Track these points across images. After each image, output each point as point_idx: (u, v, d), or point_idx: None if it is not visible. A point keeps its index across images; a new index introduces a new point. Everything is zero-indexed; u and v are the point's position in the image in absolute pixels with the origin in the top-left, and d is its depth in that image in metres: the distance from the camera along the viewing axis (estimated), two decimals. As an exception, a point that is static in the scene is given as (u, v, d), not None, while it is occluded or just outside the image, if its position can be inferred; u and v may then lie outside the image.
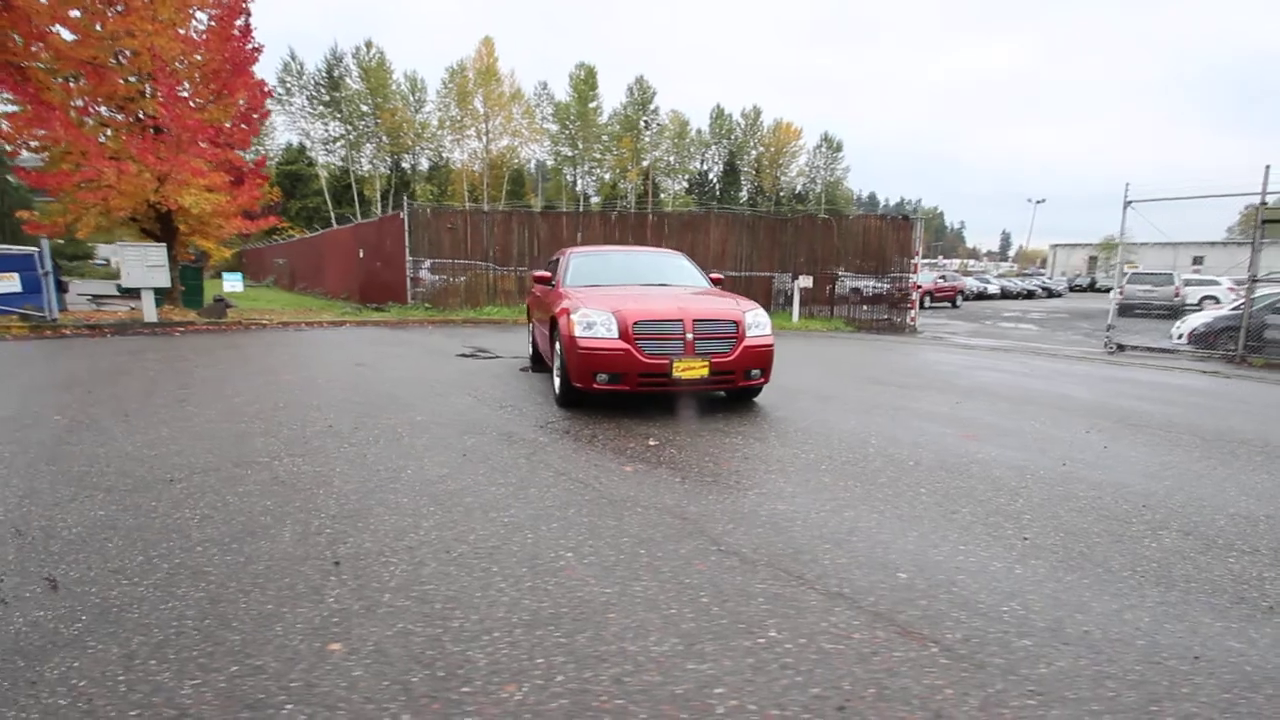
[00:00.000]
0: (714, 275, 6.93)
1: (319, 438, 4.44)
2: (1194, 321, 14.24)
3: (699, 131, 62.47)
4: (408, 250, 16.12)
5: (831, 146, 66.86)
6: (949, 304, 28.08)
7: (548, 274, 6.60)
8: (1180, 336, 14.14)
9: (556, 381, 5.74)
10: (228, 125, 14.27)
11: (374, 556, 2.62)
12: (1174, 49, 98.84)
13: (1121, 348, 12.78)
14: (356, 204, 47.27)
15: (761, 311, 5.50)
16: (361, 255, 19.39)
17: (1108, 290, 48.85)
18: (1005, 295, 38.04)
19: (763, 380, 5.44)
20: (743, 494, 3.44)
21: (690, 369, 5.03)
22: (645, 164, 59.18)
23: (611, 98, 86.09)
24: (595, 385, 5.07)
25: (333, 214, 44.22)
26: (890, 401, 6.12)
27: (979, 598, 2.38)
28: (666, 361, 5.00)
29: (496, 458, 4.04)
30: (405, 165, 51.68)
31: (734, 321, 5.25)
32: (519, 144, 53.58)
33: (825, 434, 4.76)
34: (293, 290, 27.06)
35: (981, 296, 36.04)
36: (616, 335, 5.03)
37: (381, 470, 3.74)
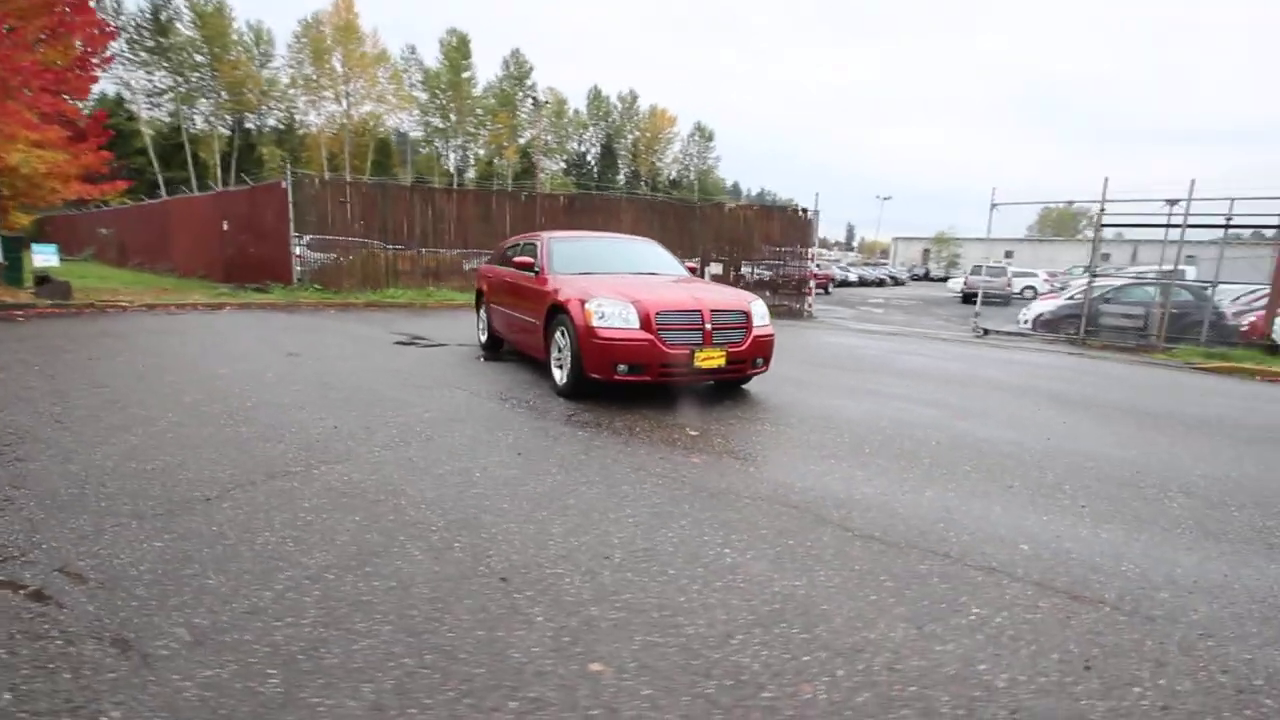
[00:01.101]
0: (689, 264, 7.03)
1: (338, 441, 3.98)
2: (1038, 309, 16.61)
3: (576, 112, 61.79)
4: (292, 225, 14.53)
5: (704, 136, 69.11)
6: (823, 290, 30.37)
7: (528, 259, 6.32)
8: (1026, 322, 16.47)
9: (558, 372, 5.56)
10: (61, 69, 11.93)
11: (535, 568, 2.46)
12: (994, 68, 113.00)
13: (987, 332, 14.61)
14: (191, 167, 41.48)
15: (761, 302, 5.68)
16: (226, 228, 17.16)
17: (942, 279, 55.46)
18: (862, 283, 41.78)
19: (764, 369, 5.65)
20: (820, 479, 3.60)
21: (709, 359, 5.11)
22: (523, 141, 57.55)
23: (486, 70, 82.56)
24: (616, 376, 4.99)
25: (161, 178, 38.41)
26: (857, 385, 6.61)
27: (1096, 560, 2.72)
28: (688, 351, 5.03)
29: (556, 455, 3.88)
30: (250, 126, 46.12)
31: (744, 312, 5.39)
32: (385, 111, 49.82)
33: (839, 419, 5.06)
34: (126, 267, 23.33)
35: (844, 284, 39.30)
36: (638, 325, 4.98)
37: (447, 475, 3.46)
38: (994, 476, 3.78)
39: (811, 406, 5.44)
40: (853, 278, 41.26)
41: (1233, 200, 12.25)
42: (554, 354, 5.63)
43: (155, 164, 39.89)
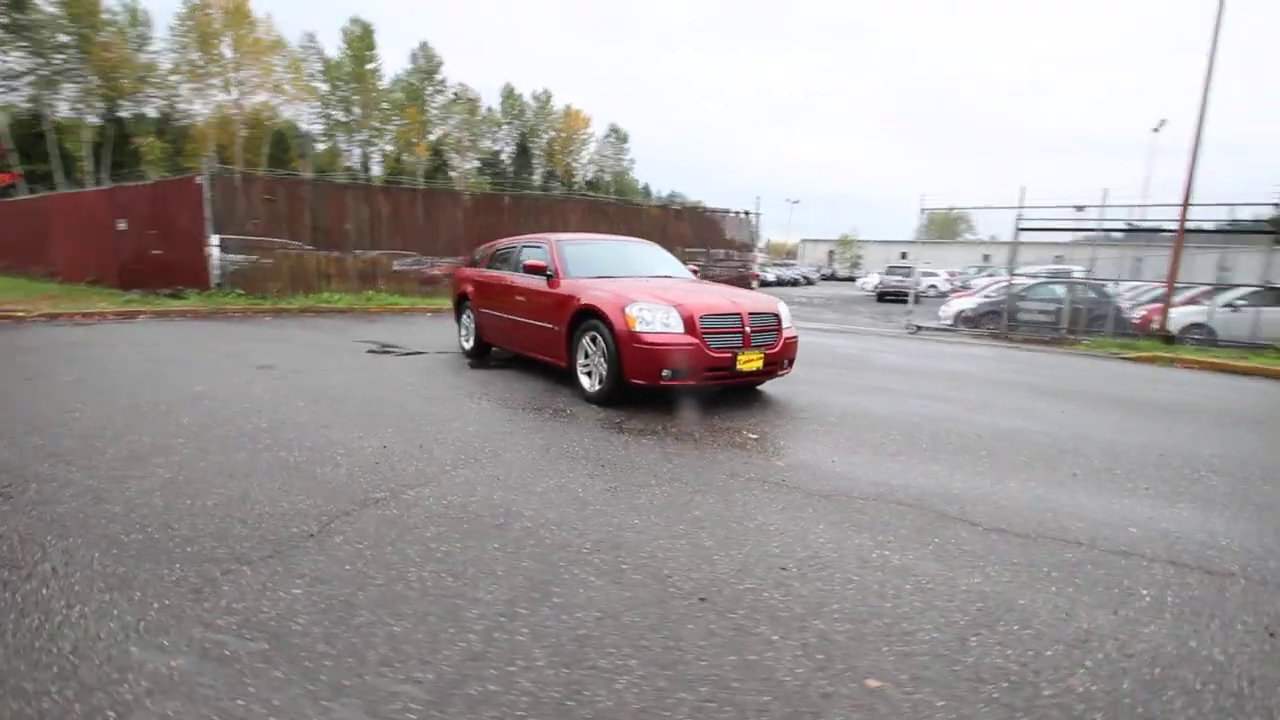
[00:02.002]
0: (691, 267, 7.04)
1: (401, 461, 3.67)
2: (958, 306, 17.92)
3: (490, 109, 60.27)
4: (209, 224, 13.27)
5: (619, 138, 69.36)
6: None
7: (538, 263, 6.08)
8: (948, 318, 17.74)
9: (586, 379, 5.41)
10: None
11: (725, 584, 2.38)
12: (891, 81, 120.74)
13: (920, 328, 15.59)
14: (57, 158, 36.87)
15: (784, 305, 5.78)
16: (123, 228, 15.39)
17: (848, 279, 58.82)
18: (780, 283, 43.44)
19: (789, 370, 5.74)
20: (907, 476, 3.71)
21: (750, 361, 5.13)
22: (434, 138, 55.45)
23: (393, 62, 78.79)
24: (661, 381, 4.91)
25: (20, 170, 33.83)
26: (858, 383, 6.86)
27: (1197, 537, 2.97)
28: (731, 355, 5.03)
29: (640, 466, 3.76)
30: (124, 114, 41.64)
31: (776, 314, 5.46)
32: (281, 102, 46.47)
33: (874, 417, 5.22)
34: (-14, 270, 20.38)
35: (764, 284, 40.70)
36: (682, 330, 4.92)
37: (549, 493, 3.27)
38: (1054, 465, 4.04)
39: (837, 405, 5.58)
40: (771, 278, 42.83)
41: (1131, 207, 13.78)
42: (580, 360, 5.47)
43: (14, 155, 35.12)
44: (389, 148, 54.88)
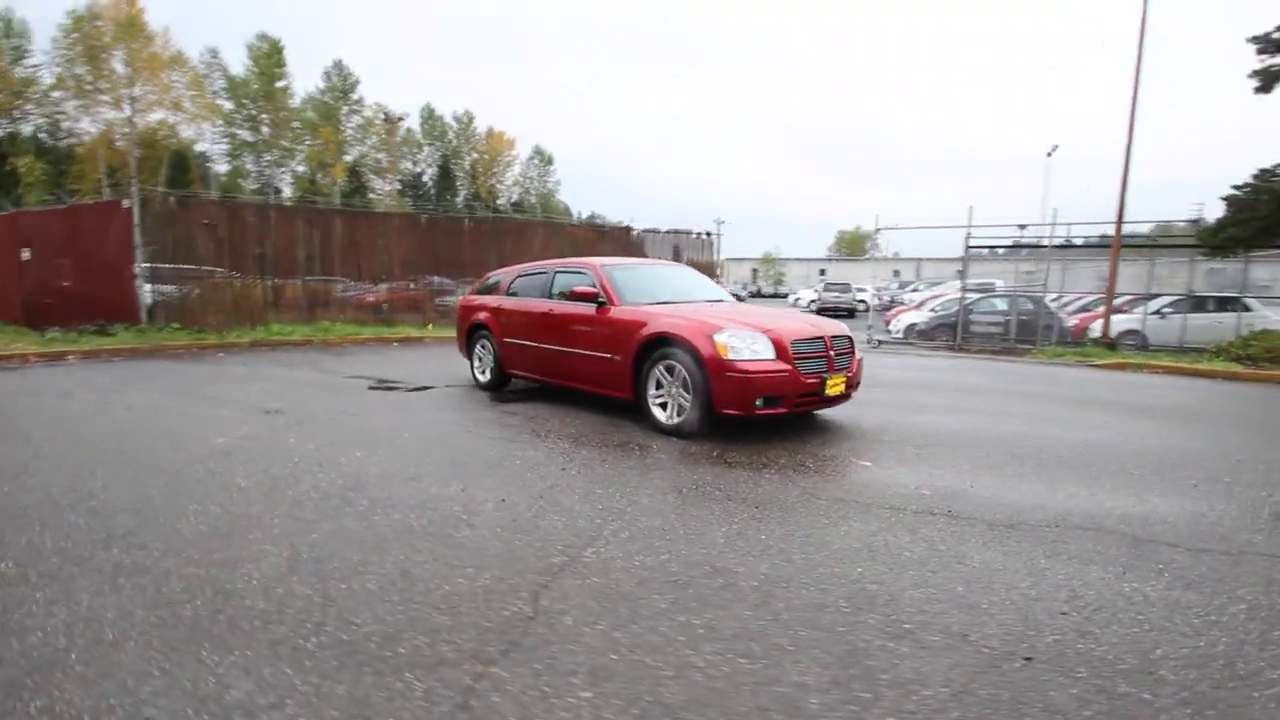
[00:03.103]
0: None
1: (537, 517, 3.26)
2: (909, 320, 18.77)
3: (410, 130, 58.48)
4: (139, 253, 11.94)
5: (544, 159, 69.00)
6: (693, 309, 31.68)
7: (588, 289, 5.75)
8: (898, 332, 18.54)
9: (659, 411, 5.12)
10: None
11: (1030, 638, 2.18)
12: (794, 104, 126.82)
13: (881, 343, 16.16)
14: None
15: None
16: (28, 257, 13.60)
17: (773, 295, 60.77)
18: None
19: (856, 392, 5.66)
20: (1054, 498, 3.67)
21: (835, 385, 5.02)
22: (350, 159, 53.12)
23: (305, 80, 75.06)
24: (757, 411, 4.70)
25: None
26: (900, 400, 6.86)
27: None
28: (820, 380, 4.90)
29: (795, 506, 3.52)
30: (-4, 132, 37.39)
31: (850, 338, 5.39)
32: (181, 121, 43.18)
33: (955, 433, 5.21)
34: None
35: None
36: (774, 356, 4.74)
37: (742, 544, 2.98)
38: (1167, 476, 4.12)
39: (906, 425, 5.54)
40: (706, 296, 43.55)
41: (1070, 224, 14.93)
42: (651, 391, 5.17)
43: None
44: (301, 168, 52.06)
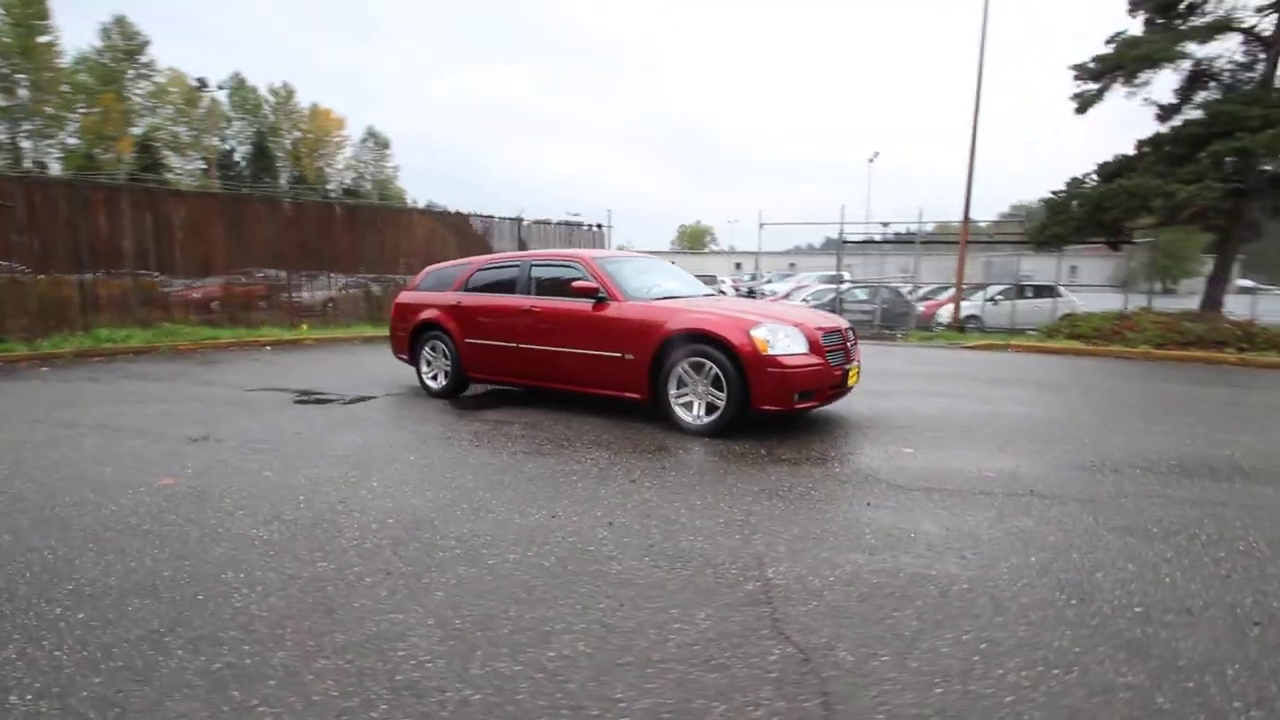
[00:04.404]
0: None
1: (666, 540, 2.93)
2: (783, 309, 20.01)
3: (215, 101, 51.01)
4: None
5: (379, 142, 63.80)
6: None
7: (587, 285, 5.32)
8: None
9: (683, 411, 4.89)
10: None
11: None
12: (634, 103, 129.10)
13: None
14: None
15: (834, 317, 5.88)
16: None
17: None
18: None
19: (851, 380, 5.84)
20: (1104, 474, 4.05)
21: (854, 375, 5.13)
22: (139, 132, 45.19)
23: (77, 38, 61.97)
24: (796, 405, 4.65)
25: None
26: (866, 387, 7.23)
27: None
28: (843, 371, 4.97)
29: (941, 513, 3.52)
30: None
31: (854, 329, 5.53)
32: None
33: (938, 417, 5.56)
34: None
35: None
36: (808, 350, 4.72)
37: (928, 556, 2.90)
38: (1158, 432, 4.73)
39: (893, 410, 5.80)
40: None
41: (921, 223, 16.79)
42: (672, 390, 4.93)
43: None
44: (73, 141, 43.36)
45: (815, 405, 4.84)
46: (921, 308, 18.48)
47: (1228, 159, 10.57)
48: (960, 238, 16.01)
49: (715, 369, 4.72)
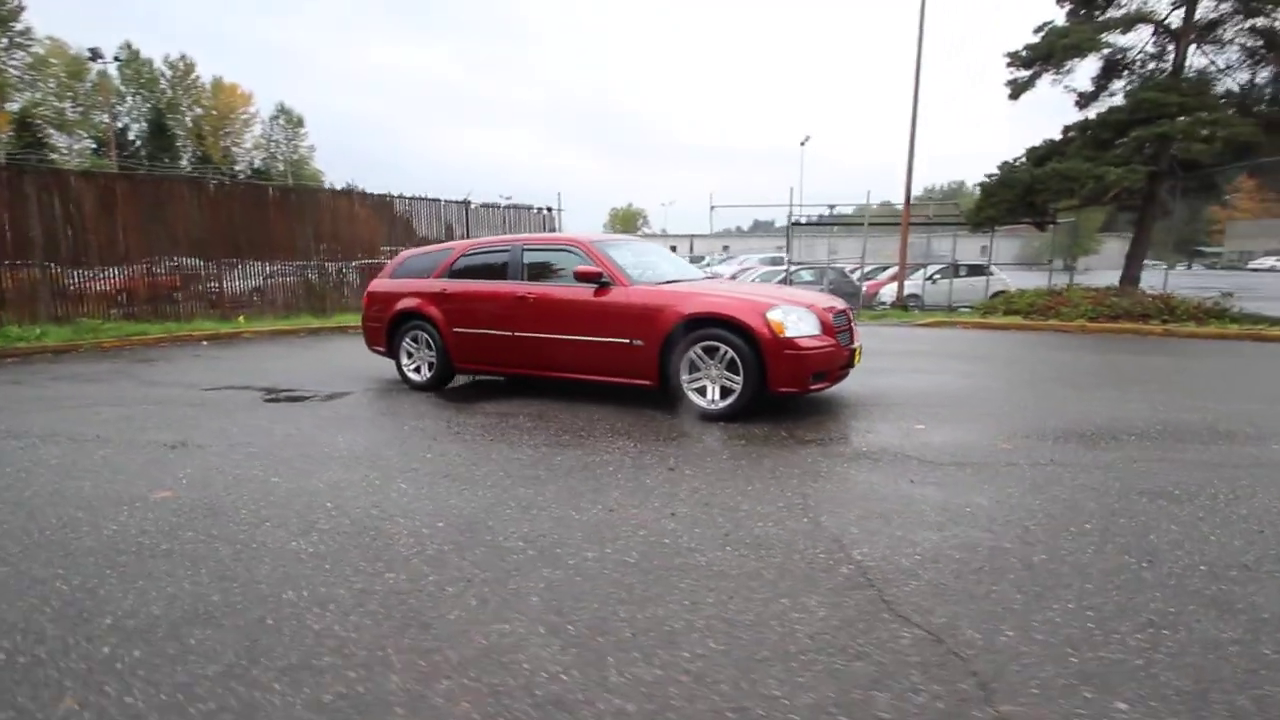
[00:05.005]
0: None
1: (774, 540, 2.89)
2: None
3: (104, 74, 46.47)
4: None
5: (291, 121, 59.87)
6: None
7: (590, 270, 5.17)
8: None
9: (697, 397, 4.85)
10: None
11: None
12: (553, 84, 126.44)
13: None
14: None
15: (827, 297, 5.96)
16: None
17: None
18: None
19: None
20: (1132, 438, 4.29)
21: (858, 355, 5.22)
22: (16, 108, 40.68)
23: None
24: (810, 387, 4.69)
25: None
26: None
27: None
28: (850, 351, 5.05)
29: (1006, 485, 3.61)
30: None
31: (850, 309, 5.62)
32: None
33: (929, 393, 5.76)
34: None
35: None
36: (820, 331, 4.75)
37: (1037, 534, 2.97)
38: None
39: (888, 387, 5.97)
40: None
41: (865, 207, 17.31)
42: (685, 375, 4.88)
43: None
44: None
45: (826, 386, 4.91)
46: (864, 287, 19.17)
47: (1148, 144, 11.40)
48: (902, 219, 16.61)
49: (730, 352, 4.70)
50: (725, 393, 4.79)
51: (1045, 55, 13.03)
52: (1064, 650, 1.96)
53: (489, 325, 5.71)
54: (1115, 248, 31.94)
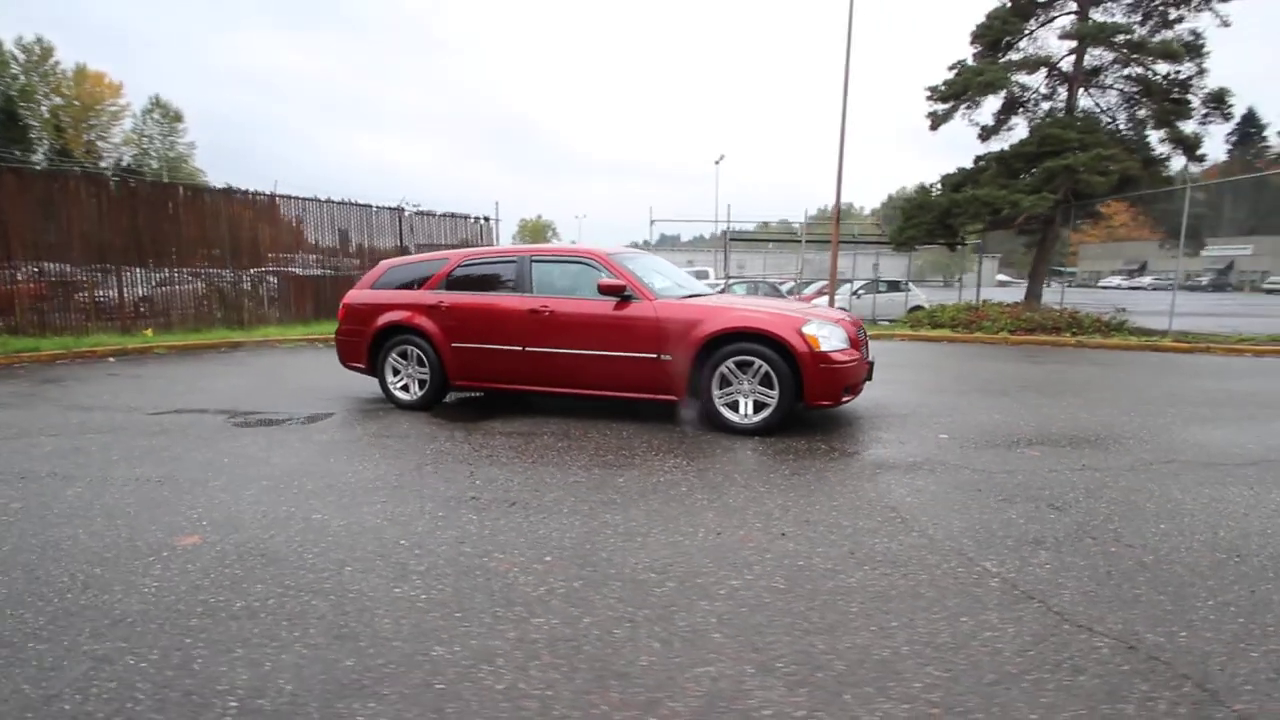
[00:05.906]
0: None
1: (902, 557, 2.86)
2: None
3: (-65, 52, 40.45)
4: None
5: (168, 115, 54.58)
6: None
7: (619, 283, 5.00)
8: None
9: (727, 412, 4.81)
10: None
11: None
12: (461, 96, 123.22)
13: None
14: None
15: (828, 312, 6.11)
16: None
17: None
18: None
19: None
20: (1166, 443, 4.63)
21: (871, 364, 5.37)
22: None
23: None
24: (841, 400, 4.75)
25: None
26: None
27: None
28: (870, 363, 5.19)
29: (1041, 498, 3.75)
30: None
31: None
32: None
33: (917, 403, 6.03)
34: None
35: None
36: (849, 345, 4.84)
37: (1158, 541, 3.08)
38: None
39: (886, 400, 6.22)
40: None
41: (803, 223, 18.05)
42: (716, 390, 4.82)
43: None
44: None
45: (852, 399, 5.01)
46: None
47: (1057, 175, 12.67)
48: (832, 237, 17.45)
49: (765, 367, 4.69)
50: (759, 407, 4.77)
51: (962, 90, 14.21)
52: (1250, 644, 2.06)
53: (496, 340, 5.40)
54: (988, 267, 35.36)
